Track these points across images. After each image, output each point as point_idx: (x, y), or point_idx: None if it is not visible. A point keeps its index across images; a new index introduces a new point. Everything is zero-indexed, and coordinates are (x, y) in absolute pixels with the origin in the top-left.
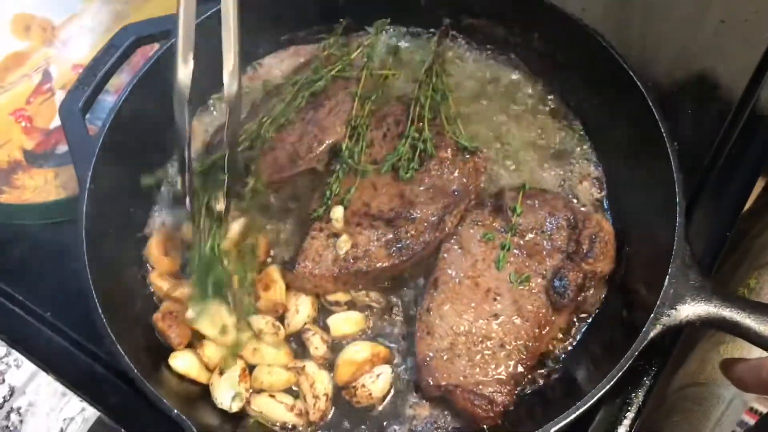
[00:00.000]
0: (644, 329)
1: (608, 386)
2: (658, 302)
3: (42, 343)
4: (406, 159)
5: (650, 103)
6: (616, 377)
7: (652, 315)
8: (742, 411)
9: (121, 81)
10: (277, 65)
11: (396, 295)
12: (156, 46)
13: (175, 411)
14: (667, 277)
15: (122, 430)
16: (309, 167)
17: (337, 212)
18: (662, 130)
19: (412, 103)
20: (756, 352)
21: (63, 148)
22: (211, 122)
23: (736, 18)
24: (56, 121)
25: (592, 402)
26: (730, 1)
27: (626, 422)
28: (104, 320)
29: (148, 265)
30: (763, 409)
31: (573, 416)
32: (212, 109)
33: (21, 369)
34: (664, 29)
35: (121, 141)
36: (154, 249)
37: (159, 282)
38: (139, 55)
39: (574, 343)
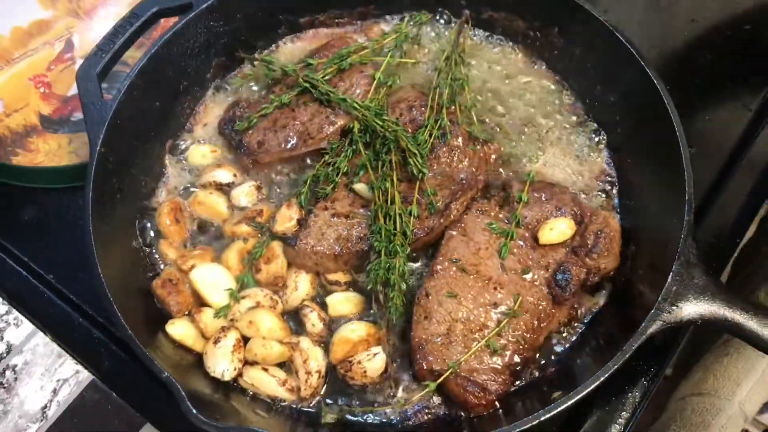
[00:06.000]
0: (644, 324)
1: (603, 378)
2: (659, 298)
3: (43, 305)
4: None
5: (667, 105)
6: (612, 370)
7: (652, 310)
8: (742, 425)
9: (141, 55)
10: (297, 47)
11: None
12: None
13: (166, 374)
14: (671, 273)
15: (113, 394)
16: (318, 147)
17: (361, 188)
18: (677, 131)
19: (431, 91)
20: (759, 365)
21: (79, 115)
22: (225, 100)
23: (760, 24)
24: (74, 89)
25: (585, 393)
26: (756, 7)
27: (621, 421)
28: (104, 283)
29: (152, 232)
30: None
31: (563, 407)
32: (223, 86)
33: (20, 328)
34: (686, 33)
35: (135, 107)
36: (164, 217)
37: (167, 250)
38: (159, 30)
39: (574, 338)
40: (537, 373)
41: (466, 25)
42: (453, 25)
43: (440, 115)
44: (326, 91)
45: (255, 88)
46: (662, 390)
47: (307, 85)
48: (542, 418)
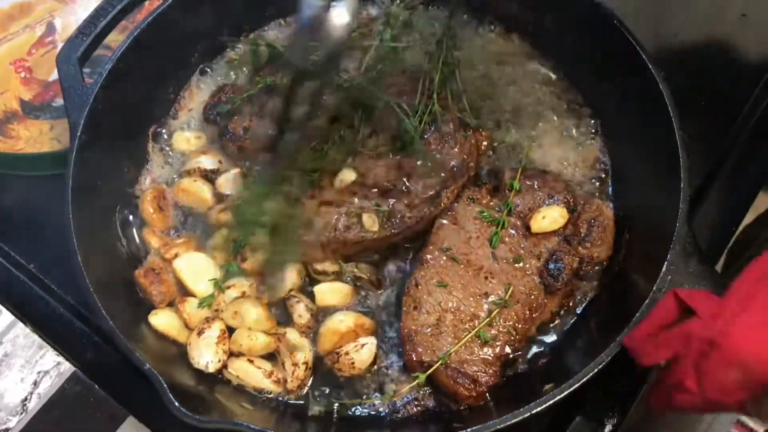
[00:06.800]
0: (638, 314)
1: (596, 370)
2: (654, 288)
3: (23, 295)
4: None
5: (663, 91)
6: (605, 362)
7: (647, 300)
8: (731, 420)
9: (123, 39)
10: (284, 31)
11: (386, 269)
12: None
13: (147, 365)
14: (666, 262)
15: (96, 386)
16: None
17: (348, 175)
18: (673, 118)
19: (422, 76)
20: None
21: (60, 100)
22: (210, 85)
23: (757, 12)
24: (56, 74)
25: (577, 386)
26: None
27: (613, 414)
28: (84, 274)
29: (135, 221)
30: (752, 424)
31: (554, 399)
32: (208, 71)
33: None
34: (681, 19)
35: (118, 92)
36: (147, 205)
37: (150, 239)
38: (144, 13)
39: (566, 329)
40: (528, 365)
41: (457, 9)
42: (444, 8)
43: (431, 101)
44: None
45: (242, 72)
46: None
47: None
48: (533, 411)
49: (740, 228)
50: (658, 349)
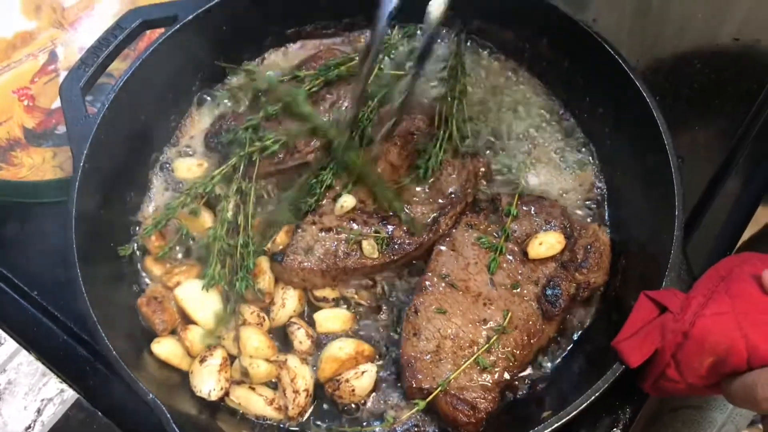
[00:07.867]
0: None
1: (593, 397)
2: None
3: (26, 322)
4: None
5: (656, 118)
6: (602, 389)
7: None
8: None
9: (126, 67)
10: (283, 59)
11: (385, 295)
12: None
13: (151, 395)
14: (661, 288)
15: (99, 413)
16: (306, 161)
17: (349, 201)
18: (667, 144)
19: (438, 105)
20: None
21: (63, 128)
22: (211, 112)
23: (749, 37)
24: (58, 102)
25: (575, 413)
26: (745, 19)
27: None
28: (88, 302)
29: (137, 248)
30: None
31: (553, 427)
32: (208, 99)
33: (3, 347)
34: (675, 43)
35: (120, 121)
36: (149, 232)
37: (152, 266)
38: (146, 41)
39: (564, 354)
40: (527, 391)
41: (461, 38)
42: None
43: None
44: (306, 113)
45: (241, 100)
46: (654, 402)
47: (288, 99)
48: None
49: (738, 246)
50: (641, 346)
